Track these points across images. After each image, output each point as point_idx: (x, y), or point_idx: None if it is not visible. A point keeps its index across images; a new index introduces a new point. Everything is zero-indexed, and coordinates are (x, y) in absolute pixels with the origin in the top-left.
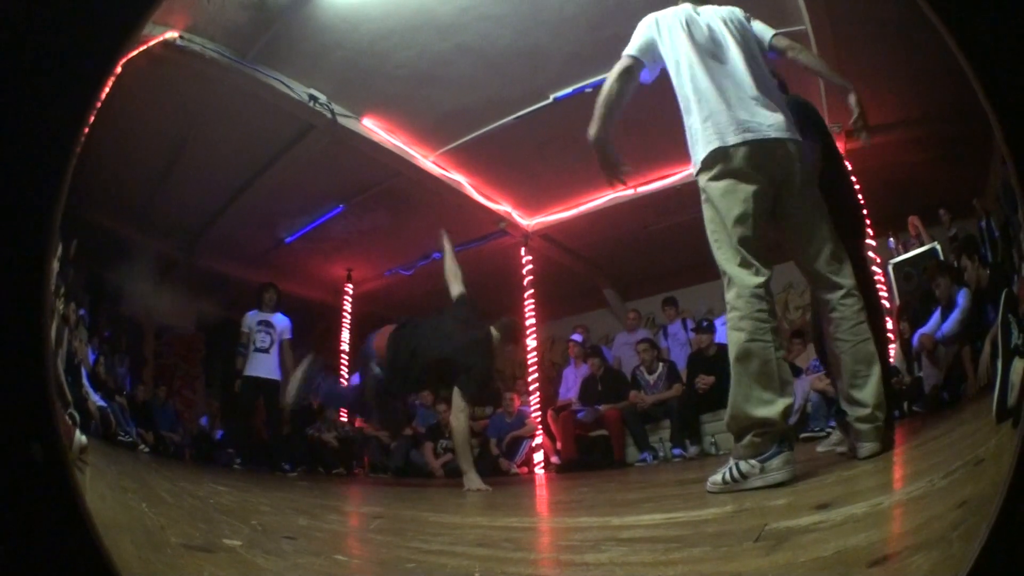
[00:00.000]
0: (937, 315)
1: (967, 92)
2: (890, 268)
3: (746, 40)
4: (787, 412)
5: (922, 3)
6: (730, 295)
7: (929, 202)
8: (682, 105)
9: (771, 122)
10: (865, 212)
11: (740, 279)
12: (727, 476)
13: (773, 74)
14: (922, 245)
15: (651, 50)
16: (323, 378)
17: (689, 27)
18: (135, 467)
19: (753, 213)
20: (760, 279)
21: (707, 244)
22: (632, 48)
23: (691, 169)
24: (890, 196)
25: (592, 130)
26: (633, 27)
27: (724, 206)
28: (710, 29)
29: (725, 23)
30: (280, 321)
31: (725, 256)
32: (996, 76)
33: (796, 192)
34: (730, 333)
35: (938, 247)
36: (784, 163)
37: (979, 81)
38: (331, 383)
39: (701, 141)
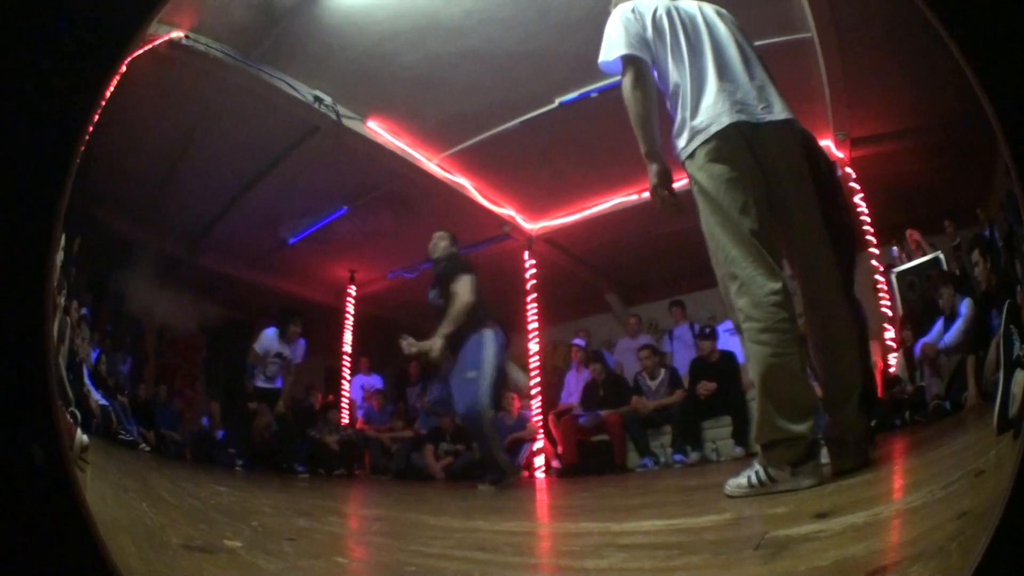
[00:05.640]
0: (940, 324)
1: (972, 101)
2: (893, 276)
3: (731, 26)
4: (816, 424)
5: (928, 13)
6: (743, 302)
7: (932, 211)
8: (670, 90)
9: (764, 103)
10: (864, 228)
11: (755, 283)
12: (753, 480)
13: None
14: (925, 254)
15: (640, 39)
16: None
17: (668, 8)
18: (136, 466)
19: (756, 203)
20: (778, 283)
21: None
22: (621, 47)
23: (680, 157)
24: (893, 205)
25: (642, 148)
26: None
27: (725, 196)
28: (691, 11)
29: (709, 9)
30: (295, 353)
31: (734, 255)
32: (1000, 86)
33: (791, 181)
34: (750, 346)
35: (941, 256)
36: (779, 146)
37: (983, 91)
38: None
39: (689, 124)
